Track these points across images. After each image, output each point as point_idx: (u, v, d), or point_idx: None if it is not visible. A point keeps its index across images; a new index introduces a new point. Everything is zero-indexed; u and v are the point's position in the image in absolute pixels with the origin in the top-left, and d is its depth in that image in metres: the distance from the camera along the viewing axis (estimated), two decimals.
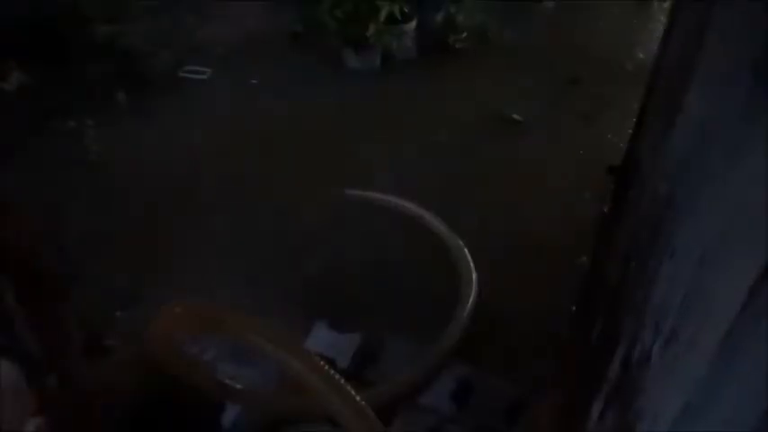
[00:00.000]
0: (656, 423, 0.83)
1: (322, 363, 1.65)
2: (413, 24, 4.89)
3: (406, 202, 3.51)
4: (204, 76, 4.59)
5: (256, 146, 3.94)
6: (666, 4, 5.99)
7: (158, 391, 1.91)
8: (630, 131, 1.74)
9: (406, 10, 4.66)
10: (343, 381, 1.60)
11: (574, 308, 1.92)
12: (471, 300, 2.90)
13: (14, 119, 3.81)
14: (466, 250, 3.18)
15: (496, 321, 2.80)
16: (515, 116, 4.33)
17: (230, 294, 2.75)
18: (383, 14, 4.48)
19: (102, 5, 4.13)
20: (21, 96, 4.04)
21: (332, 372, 1.62)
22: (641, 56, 5.18)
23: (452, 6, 4.99)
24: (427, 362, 2.62)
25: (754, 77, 0.72)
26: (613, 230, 1.49)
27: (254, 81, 4.64)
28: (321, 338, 2.76)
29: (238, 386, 1.99)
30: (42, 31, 3.77)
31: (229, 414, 2.29)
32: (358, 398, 1.57)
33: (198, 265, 3.08)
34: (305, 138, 4.07)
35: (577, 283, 2.86)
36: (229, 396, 2.05)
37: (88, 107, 4.01)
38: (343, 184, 3.64)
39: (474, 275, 3.03)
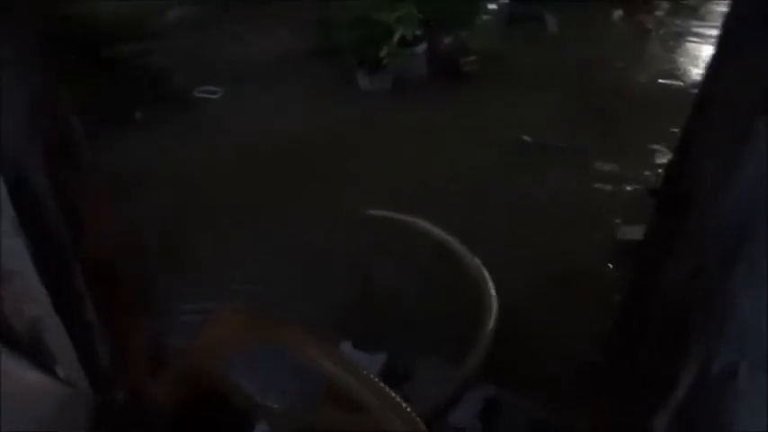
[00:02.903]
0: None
1: (378, 380, 1.67)
2: (423, 47, 4.99)
3: (428, 222, 3.55)
4: (218, 96, 4.64)
5: (269, 165, 3.97)
6: (664, 31, 6.18)
7: (194, 403, 1.91)
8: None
9: (418, 33, 4.75)
10: (399, 399, 1.62)
11: (612, 330, 1.97)
12: (492, 321, 2.93)
13: None
14: (486, 272, 3.23)
15: (522, 344, 2.83)
16: (526, 138, 4.40)
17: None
18: (396, 37, 4.57)
19: (127, 23, 4.18)
20: None
21: (388, 390, 1.64)
22: (643, 80, 5.33)
23: (461, 30, 5.09)
24: (454, 382, 2.64)
25: None
26: (668, 250, 1.54)
27: (267, 101, 4.69)
28: None
29: (274, 405, 1.99)
30: (66, 47, 3.80)
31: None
32: (416, 417, 1.59)
33: (218, 283, 3.09)
34: (319, 157, 4.11)
35: (604, 307, 2.94)
36: (264, 414, 2.06)
37: (103, 125, 4.04)
38: (359, 203, 3.67)
39: (494, 297, 3.07)
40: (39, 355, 1.38)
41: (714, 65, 1.56)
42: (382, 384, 1.58)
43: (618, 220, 3.66)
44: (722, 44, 1.52)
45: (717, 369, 1.09)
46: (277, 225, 3.50)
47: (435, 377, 2.66)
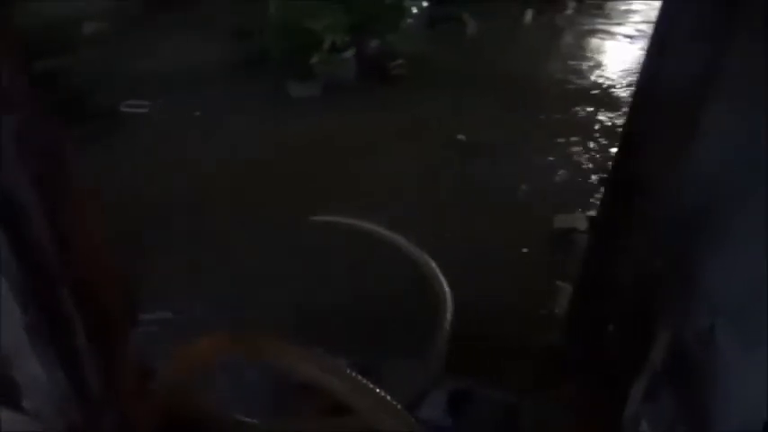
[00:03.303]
0: (740, 389, 0.98)
1: (369, 384, 1.69)
2: (351, 52, 5.04)
3: (373, 224, 3.60)
4: (145, 110, 4.48)
5: (208, 179, 3.88)
6: (574, 29, 6.57)
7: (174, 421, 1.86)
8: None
9: (347, 39, 4.80)
10: (392, 400, 1.65)
11: (570, 313, 2.10)
12: (449, 315, 3.03)
13: None
14: (436, 267, 3.32)
15: (480, 331, 2.93)
16: (458, 136, 4.55)
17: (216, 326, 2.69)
18: (327, 44, 4.59)
19: (41, 38, 3.94)
20: None
21: (380, 392, 1.66)
22: (559, 75, 5.65)
23: (388, 35, 5.18)
24: (418, 379, 2.70)
25: None
26: (622, 232, 1.67)
27: (197, 113, 4.57)
28: None
29: (253, 421, 1.98)
30: None
31: None
32: (409, 416, 1.63)
33: (173, 296, 2.99)
34: (257, 167, 4.06)
35: (548, 292, 3.11)
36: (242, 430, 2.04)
37: None
38: (299, 211, 3.67)
39: (447, 291, 3.17)
40: (5, 390, 1.31)
41: (651, 62, 1.71)
42: (372, 386, 1.61)
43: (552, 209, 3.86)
44: (657, 42, 1.67)
45: (690, 334, 1.20)
46: (221, 238, 3.44)
47: (400, 377, 2.71)
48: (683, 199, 1.30)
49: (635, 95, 1.78)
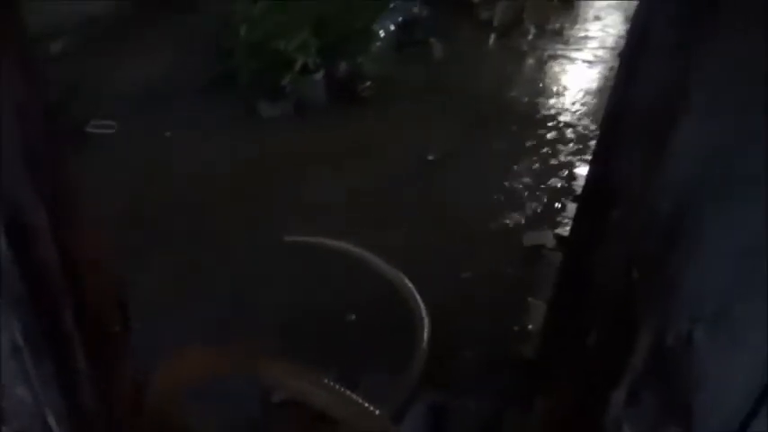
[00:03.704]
0: (722, 391, 1.04)
1: (354, 395, 1.70)
2: (321, 74, 5.09)
3: (346, 243, 3.63)
4: (113, 131, 4.41)
5: (180, 200, 3.85)
6: (535, 54, 6.81)
7: None
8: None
9: (318, 61, 4.86)
10: (374, 409, 1.67)
11: (550, 322, 2.16)
12: (426, 330, 3.07)
13: None
14: (409, 283, 3.37)
15: (455, 346, 2.98)
16: (430, 157, 4.63)
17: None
18: (298, 66, 4.64)
19: None
20: None
21: (365, 403, 1.68)
22: (525, 98, 5.83)
23: (357, 57, 5.26)
24: (397, 396, 2.71)
25: None
26: (597, 245, 1.74)
27: (167, 133, 4.53)
28: None
29: None
30: None
31: None
32: (391, 424, 1.64)
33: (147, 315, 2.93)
34: (230, 187, 4.05)
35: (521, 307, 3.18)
36: None
37: None
38: (270, 231, 3.67)
39: (423, 307, 3.21)
40: None
41: (619, 86, 1.81)
42: (357, 397, 1.63)
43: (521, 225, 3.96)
44: (628, 58, 1.77)
45: (671, 339, 1.27)
46: (193, 262, 3.40)
47: (380, 392, 2.73)
48: (658, 209, 1.38)
49: (607, 110, 1.87)
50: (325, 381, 1.72)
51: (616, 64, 6.07)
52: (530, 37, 7.21)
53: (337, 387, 1.73)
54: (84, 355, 1.09)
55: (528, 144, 4.94)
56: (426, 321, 3.12)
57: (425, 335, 3.04)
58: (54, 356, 1.04)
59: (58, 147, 0.95)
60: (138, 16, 5.83)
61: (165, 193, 3.87)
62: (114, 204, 3.57)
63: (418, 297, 3.28)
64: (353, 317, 3.17)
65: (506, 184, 4.40)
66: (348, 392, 1.69)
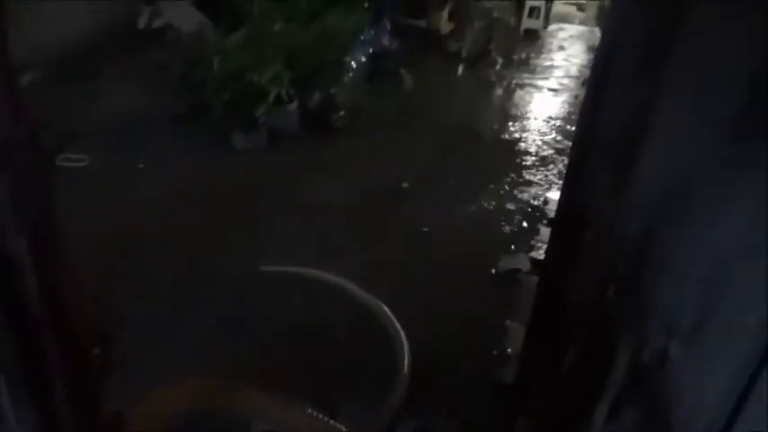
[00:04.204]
0: (700, 403, 1.08)
1: (337, 425, 1.70)
2: (295, 104, 5.14)
3: (323, 272, 3.63)
4: (84, 163, 4.36)
5: (155, 233, 3.80)
6: (503, 83, 7.00)
7: None
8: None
9: (291, 92, 4.91)
10: None
11: (529, 344, 2.19)
12: (406, 355, 3.08)
13: None
14: (387, 309, 3.38)
15: (436, 371, 2.98)
16: (404, 184, 4.69)
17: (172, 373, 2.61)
18: (272, 97, 4.68)
19: None
20: None
21: (346, 430, 1.67)
22: (495, 126, 5.97)
23: (329, 88, 5.33)
24: (380, 422, 2.70)
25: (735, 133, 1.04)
26: (572, 267, 1.79)
27: (140, 166, 4.50)
28: None
29: None
30: None
31: None
32: None
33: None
34: (207, 220, 4.02)
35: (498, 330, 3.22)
36: None
37: None
38: (247, 260, 3.66)
39: (402, 333, 3.22)
40: None
41: (586, 114, 1.89)
42: (339, 426, 1.62)
43: (495, 250, 4.02)
44: (592, 92, 1.85)
45: (647, 355, 1.31)
46: (170, 292, 3.35)
47: (360, 420, 2.71)
48: (628, 230, 1.44)
49: (575, 137, 1.95)
50: (307, 410, 1.71)
51: (581, 91, 6.29)
52: (497, 67, 7.43)
53: (318, 416, 1.72)
54: (65, 387, 1.07)
55: (499, 170, 5.05)
56: (406, 347, 3.13)
57: (406, 360, 3.04)
58: (35, 388, 1.02)
59: (43, 179, 0.95)
60: (107, 50, 5.83)
61: (138, 224, 3.82)
62: (88, 236, 3.51)
63: (397, 323, 3.29)
64: (332, 344, 3.15)
65: (480, 209, 4.48)
66: (329, 420, 1.68)
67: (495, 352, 3.16)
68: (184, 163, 4.62)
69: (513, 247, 4.06)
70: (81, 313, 1.07)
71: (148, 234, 3.75)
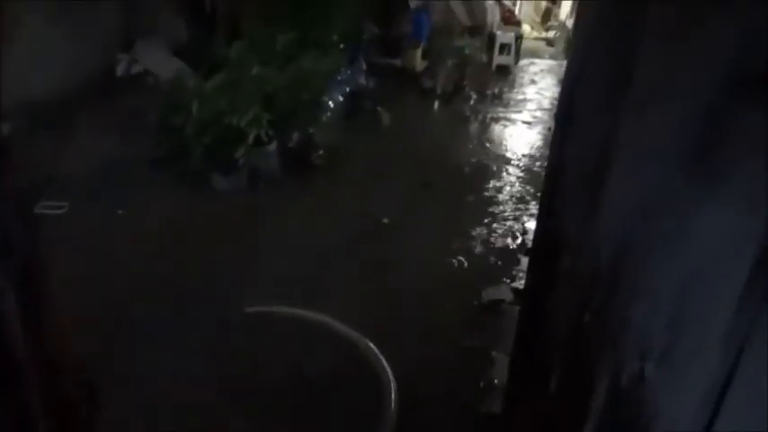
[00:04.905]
0: (675, 424, 1.11)
1: None
2: (274, 146, 5.20)
3: (308, 311, 3.62)
4: (63, 210, 4.34)
5: (130, 276, 3.76)
6: (478, 117, 7.16)
7: None
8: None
9: (270, 133, 4.97)
10: None
11: (514, 374, 2.21)
12: (393, 392, 3.06)
13: None
14: (374, 347, 3.37)
15: (423, 404, 2.97)
16: (384, 220, 4.73)
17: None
18: (251, 139, 4.73)
19: None
20: None
21: None
22: (473, 159, 6.09)
23: (308, 127, 5.41)
24: None
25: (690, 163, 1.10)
26: (550, 295, 1.83)
27: (119, 211, 4.49)
28: None
29: None
30: None
31: None
32: None
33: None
34: (189, 262, 4.00)
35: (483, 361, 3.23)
36: None
37: None
38: (230, 302, 3.64)
39: (388, 368, 3.22)
40: None
41: (556, 146, 1.96)
42: None
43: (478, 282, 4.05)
44: (560, 125, 1.93)
45: (625, 379, 1.34)
46: (154, 335, 3.31)
47: None
48: (600, 257, 1.49)
49: (547, 168, 2.02)
50: None
51: (553, 123, 6.47)
52: (471, 102, 7.63)
53: None
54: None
55: (478, 202, 5.14)
56: (393, 385, 3.12)
57: (393, 397, 3.03)
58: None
59: (31, 230, 0.97)
60: (86, 97, 5.87)
61: (119, 269, 3.79)
62: (69, 283, 3.46)
63: (383, 360, 3.29)
64: (319, 382, 3.13)
65: (461, 242, 4.53)
66: None
67: (481, 384, 3.16)
68: (165, 207, 4.62)
69: (495, 277, 4.10)
70: (65, 362, 1.07)
71: (131, 278, 3.72)
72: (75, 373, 1.13)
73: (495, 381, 3.12)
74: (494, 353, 3.34)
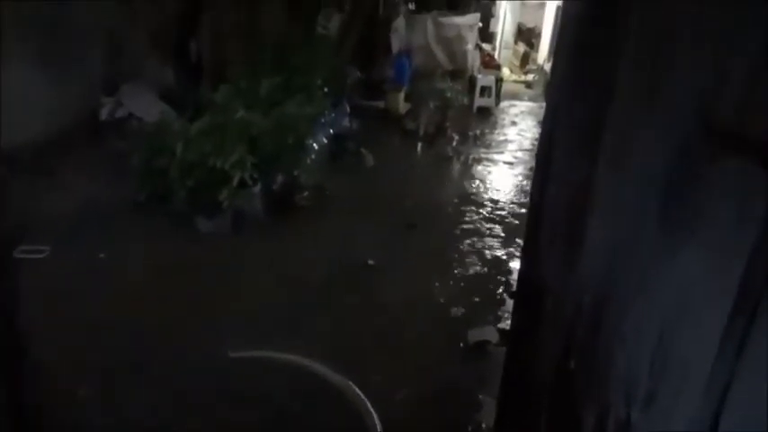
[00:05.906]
0: None
1: None
2: (258, 187, 5.21)
3: (293, 355, 3.57)
4: (44, 255, 4.28)
5: (112, 319, 3.69)
6: (460, 158, 7.27)
7: None
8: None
9: (254, 175, 4.99)
10: None
11: (501, 417, 2.19)
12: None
13: None
14: (359, 390, 3.33)
15: None
16: (370, 261, 4.73)
17: None
18: (235, 181, 4.75)
19: None
20: None
21: None
22: (456, 200, 6.15)
23: (292, 169, 5.45)
24: None
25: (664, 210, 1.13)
26: (535, 338, 1.84)
27: (101, 255, 4.43)
28: None
29: None
30: None
31: None
32: None
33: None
34: (174, 305, 3.94)
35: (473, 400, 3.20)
36: None
37: None
38: (214, 345, 3.58)
39: (374, 412, 3.17)
40: None
41: (536, 189, 2.00)
42: None
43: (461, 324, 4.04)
44: (540, 168, 1.97)
45: (612, 424, 1.34)
46: (135, 379, 3.24)
47: None
48: (582, 301, 1.50)
49: (529, 210, 2.05)
50: None
51: (534, 164, 6.58)
52: (453, 143, 7.75)
53: None
54: None
55: (462, 243, 5.16)
56: (379, 428, 3.07)
57: None
58: None
59: (6, 275, 0.96)
60: (69, 141, 5.87)
61: (101, 313, 3.72)
62: (48, 328, 3.40)
63: (369, 404, 3.24)
64: (305, 426, 3.07)
65: (445, 283, 4.53)
66: None
67: (469, 428, 3.12)
68: (148, 249, 4.57)
69: (482, 319, 4.09)
70: (45, 409, 1.05)
71: (113, 322, 3.65)
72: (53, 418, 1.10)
73: (483, 425, 3.08)
74: (480, 396, 3.31)
